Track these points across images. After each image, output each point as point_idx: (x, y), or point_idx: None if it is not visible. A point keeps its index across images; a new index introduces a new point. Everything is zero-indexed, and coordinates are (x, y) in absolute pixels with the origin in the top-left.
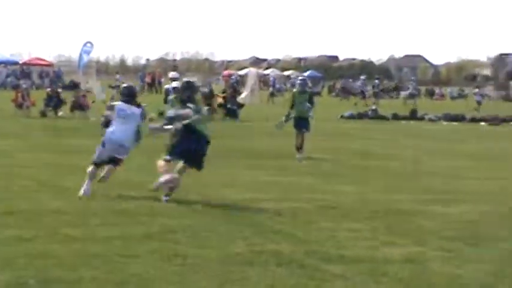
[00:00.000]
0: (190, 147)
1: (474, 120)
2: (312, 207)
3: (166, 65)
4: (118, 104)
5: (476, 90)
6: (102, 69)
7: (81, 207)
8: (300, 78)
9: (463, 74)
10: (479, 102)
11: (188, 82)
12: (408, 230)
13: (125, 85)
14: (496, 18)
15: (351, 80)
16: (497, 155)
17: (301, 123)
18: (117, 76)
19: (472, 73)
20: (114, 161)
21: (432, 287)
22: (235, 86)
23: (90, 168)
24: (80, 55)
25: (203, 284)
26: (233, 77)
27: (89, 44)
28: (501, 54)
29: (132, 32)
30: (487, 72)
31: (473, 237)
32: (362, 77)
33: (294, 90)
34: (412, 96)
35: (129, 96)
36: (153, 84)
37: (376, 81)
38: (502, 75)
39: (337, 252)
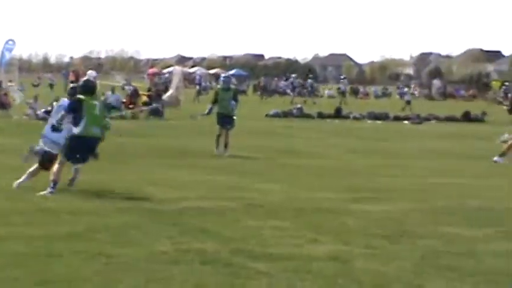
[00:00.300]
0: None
1: (397, 118)
2: (238, 205)
3: (91, 63)
4: (64, 100)
5: (406, 89)
6: (25, 67)
7: (4, 206)
8: (223, 75)
9: (387, 73)
10: (408, 102)
11: (87, 81)
12: (333, 228)
13: (72, 85)
14: (418, 17)
15: (276, 79)
16: (419, 154)
17: (225, 120)
18: (49, 75)
19: (395, 72)
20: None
21: (357, 284)
22: (167, 85)
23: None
24: (2, 53)
25: (127, 283)
26: (166, 75)
27: (10, 42)
28: (423, 53)
29: (56, 30)
30: (410, 71)
31: (396, 235)
32: (293, 75)
33: (218, 86)
34: (343, 94)
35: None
36: (77, 83)
37: (309, 80)
38: (424, 74)
39: (263, 250)
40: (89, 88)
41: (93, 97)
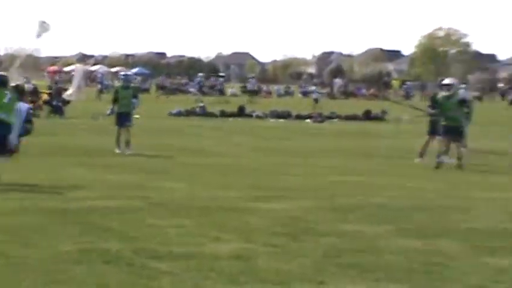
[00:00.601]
0: None
1: (300, 117)
2: (141, 204)
3: None
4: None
5: (314, 88)
6: None
7: None
8: (122, 73)
9: (289, 72)
10: (316, 100)
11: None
12: (236, 226)
13: (13, 84)
14: (320, 17)
15: (179, 77)
16: (321, 152)
17: (124, 119)
18: None
19: (297, 71)
20: None
21: (259, 282)
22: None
23: None
24: None
25: (27, 284)
26: (72, 73)
27: None
28: (325, 53)
29: None
30: (312, 70)
31: (298, 233)
32: (200, 74)
33: (118, 85)
34: (251, 93)
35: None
36: None
37: (221, 79)
38: (326, 73)
39: (166, 249)
40: (2, 82)
41: (5, 88)
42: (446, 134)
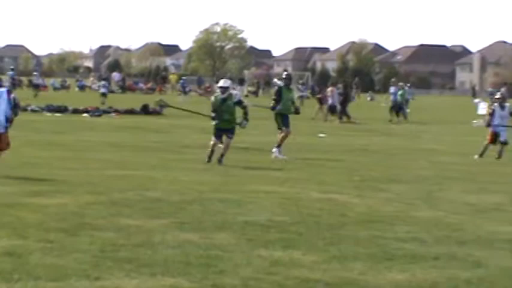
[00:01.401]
0: None
1: (77, 111)
2: None
3: None
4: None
5: (103, 82)
6: None
7: None
8: None
9: (66, 65)
10: (103, 94)
11: None
12: (9, 222)
13: None
14: (97, 10)
15: None
16: (98, 146)
17: None
18: None
19: (74, 64)
20: None
21: (33, 279)
22: None
23: None
24: None
25: None
26: None
27: None
28: (102, 46)
29: None
30: (90, 63)
31: (74, 228)
32: (11, 67)
33: None
34: (36, 86)
35: None
36: None
37: (11, 72)
38: (104, 67)
39: None
40: None
41: None
42: (220, 135)
